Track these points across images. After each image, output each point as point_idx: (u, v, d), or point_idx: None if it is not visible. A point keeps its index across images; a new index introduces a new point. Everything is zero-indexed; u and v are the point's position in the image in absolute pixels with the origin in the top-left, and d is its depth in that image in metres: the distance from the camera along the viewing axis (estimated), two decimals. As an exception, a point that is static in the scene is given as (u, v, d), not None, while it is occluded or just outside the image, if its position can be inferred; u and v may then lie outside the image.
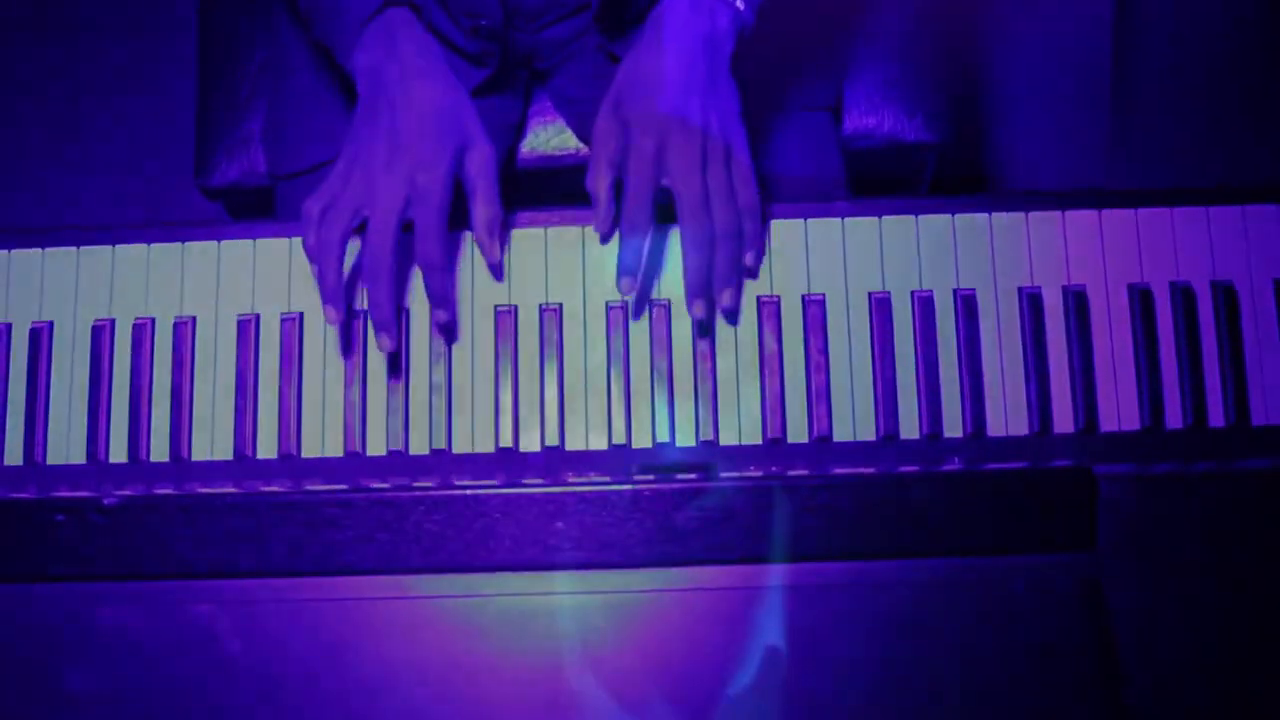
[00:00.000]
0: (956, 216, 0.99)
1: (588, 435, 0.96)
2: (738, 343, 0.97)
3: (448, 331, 0.98)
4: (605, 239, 0.99)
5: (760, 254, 0.99)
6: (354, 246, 0.98)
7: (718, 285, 0.97)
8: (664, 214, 0.98)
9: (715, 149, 0.97)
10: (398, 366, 0.98)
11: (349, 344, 0.98)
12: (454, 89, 1.00)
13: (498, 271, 0.99)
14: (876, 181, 1.26)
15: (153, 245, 1.00)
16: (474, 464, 0.96)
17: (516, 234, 1.00)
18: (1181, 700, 0.74)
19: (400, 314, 0.98)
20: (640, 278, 0.97)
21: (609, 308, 0.98)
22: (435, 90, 0.98)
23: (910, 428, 0.96)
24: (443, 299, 0.96)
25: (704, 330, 0.98)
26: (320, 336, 0.99)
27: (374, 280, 0.95)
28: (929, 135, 1.26)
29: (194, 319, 0.99)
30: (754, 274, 0.99)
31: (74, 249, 1.01)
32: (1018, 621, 0.74)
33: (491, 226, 0.97)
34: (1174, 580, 0.75)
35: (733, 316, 0.98)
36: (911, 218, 0.99)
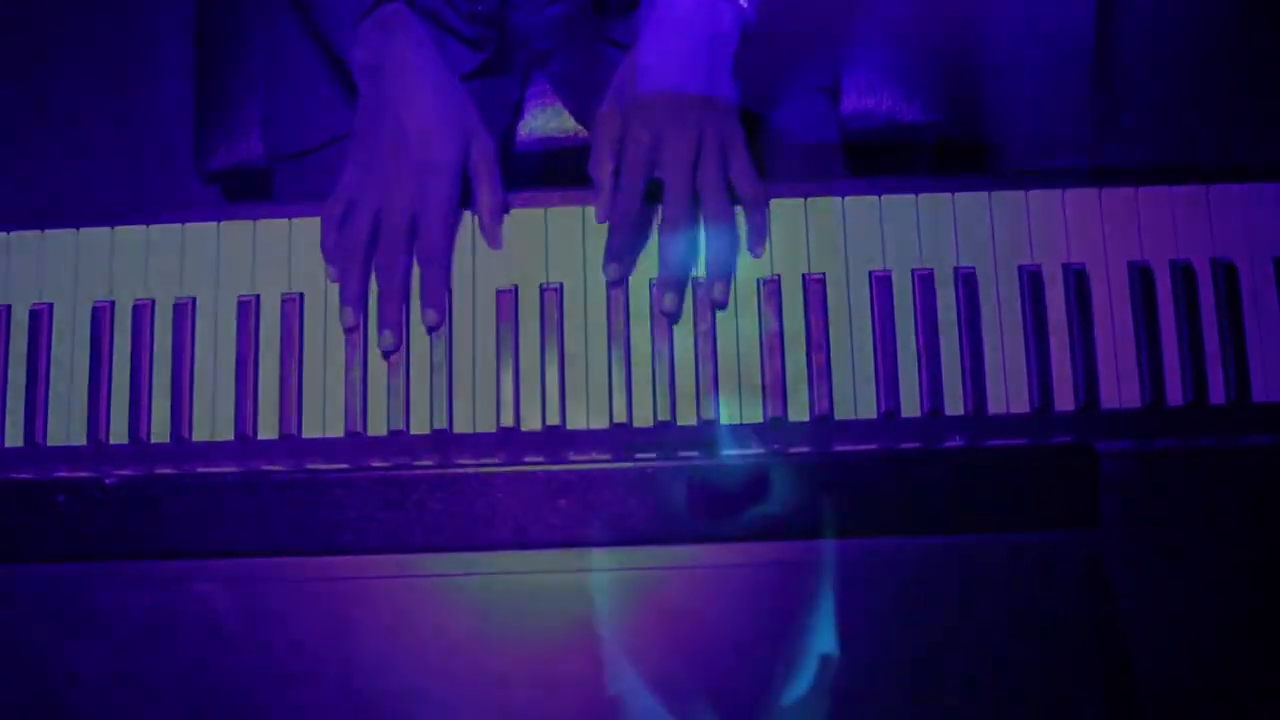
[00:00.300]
0: (956, 195, 0.99)
1: (589, 414, 0.96)
2: (738, 322, 0.97)
3: (433, 331, 0.98)
4: (604, 221, 1.00)
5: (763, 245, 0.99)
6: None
7: (709, 278, 0.98)
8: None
9: (711, 145, 0.98)
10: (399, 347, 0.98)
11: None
12: (453, 84, 1.02)
13: (495, 245, 1.00)
14: (876, 161, 1.25)
15: (152, 227, 1.00)
16: (475, 443, 0.96)
17: (517, 215, 1.00)
18: (1185, 676, 0.74)
19: (408, 314, 0.98)
20: (628, 264, 0.98)
21: (610, 288, 0.98)
22: (435, 87, 1.00)
23: (911, 405, 0.95)
24: (435, 299, 0.98)
25: (698, 310, 0.98)
26: (321, 317, 0.99)
27: (388, 279, 0.97)
28: (927, 114, 1.26)
29: (194, 300, 0.99)
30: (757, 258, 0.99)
31: (73, 231, 1.00)
32: (1020, 598, 0.75)
33: (496, 212, 0.99)
34: (1176, 557, 0.75)
35: (721, 308, 0.98)
36: (911, 196, 0.99)
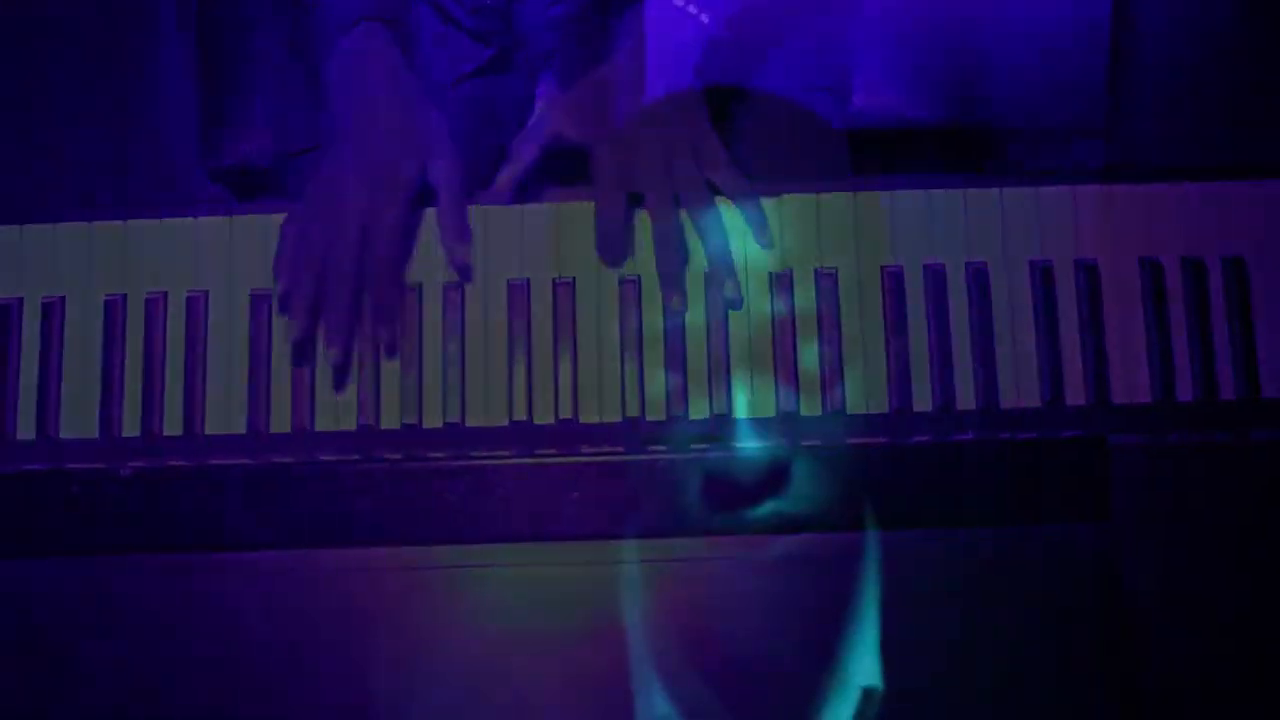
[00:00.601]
0: (967, 191, 0.99)
1: (601, 408, 0.96)
2: (750, 317, 0.98)
3: (390, 352, 0.97)
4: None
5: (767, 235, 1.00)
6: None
7: (715, 275, 0.98)
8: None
9: (682, 148, 0.99)
10: (411, 340, 0.98)
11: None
12: (418, 102, 1.02)
13: (465, 273, 0.99)
14: (886, 158, 1.26)
15: (165, 220, 1.00)
16: (487, 437, 0.96)
17: (528, 210, 1.00)
18: (1194, 669, 0.74)
19: (356, 338, 0.97)
20: (622, 264, 0.99)
21: (621, 282, 0.98)
22: (396, 103, 1.01)
23: (923, 399, 0.96)
24: (384, 315, 0.97)
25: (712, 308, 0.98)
26: (333, 311, 0.98)
27: (333, 293, 0.96)
28: (937, 111, 1.26)
29: (206, 294, 0.99)
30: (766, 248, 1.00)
31: (86, 224, 1.00)
32: (1032, 591, 0.75)
33: (457, 232, 0.98)
34: (1187, 550, 0.75)
35: (735, 304, 0.98)
36: (923, 192, 0.99)
